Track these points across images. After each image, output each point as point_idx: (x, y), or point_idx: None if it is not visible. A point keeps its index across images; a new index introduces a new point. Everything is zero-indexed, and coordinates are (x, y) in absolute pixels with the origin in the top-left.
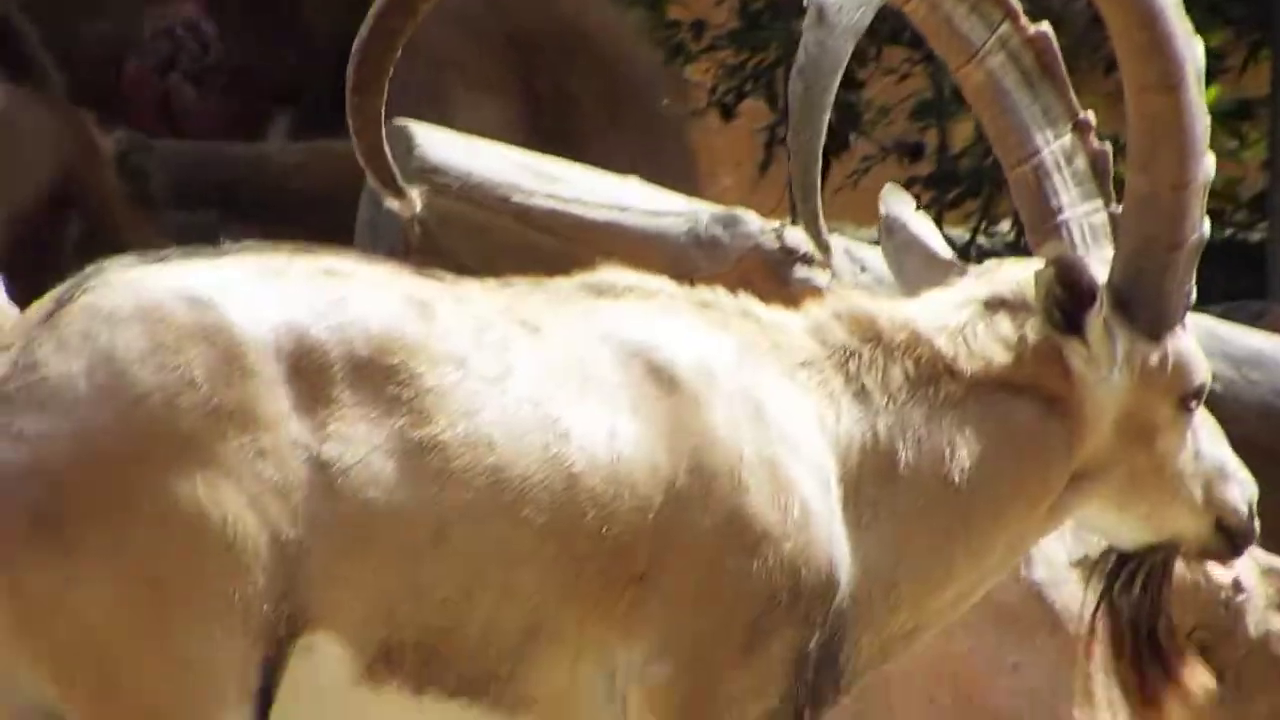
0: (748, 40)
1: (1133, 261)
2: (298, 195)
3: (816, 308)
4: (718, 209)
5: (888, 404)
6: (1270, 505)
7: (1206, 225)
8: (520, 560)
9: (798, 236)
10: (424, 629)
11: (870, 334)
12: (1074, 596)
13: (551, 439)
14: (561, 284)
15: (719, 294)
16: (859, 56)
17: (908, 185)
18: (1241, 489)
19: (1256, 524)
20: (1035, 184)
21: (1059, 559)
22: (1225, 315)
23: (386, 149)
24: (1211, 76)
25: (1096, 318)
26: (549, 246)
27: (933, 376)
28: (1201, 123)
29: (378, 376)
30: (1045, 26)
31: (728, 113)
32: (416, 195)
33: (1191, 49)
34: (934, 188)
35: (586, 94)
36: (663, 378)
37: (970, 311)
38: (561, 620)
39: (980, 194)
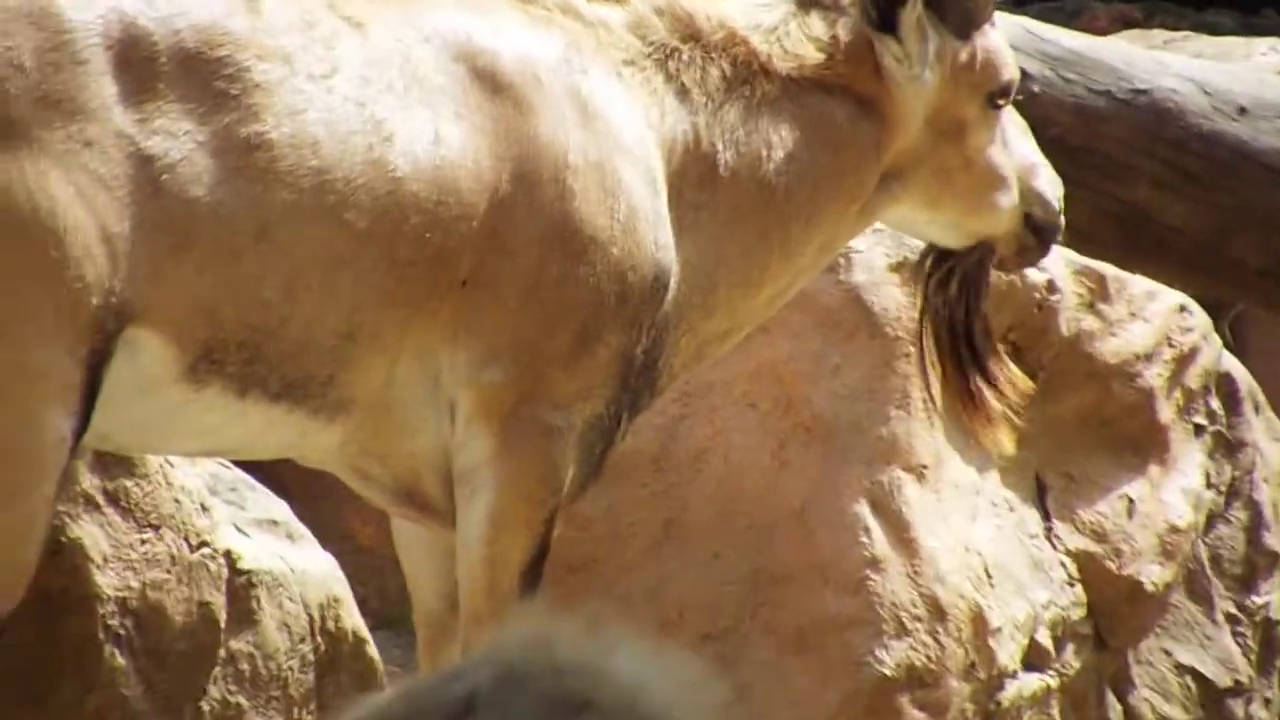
0: None
1: None
2: None
3: (637, 2)
4: None
5: (707, 104)
6: (1081, 205)
7: None
8: (341, 263)
9: None
10: (247, 329)
11: (689, 32)
12: (893, 299)
13: (375, 141)
14: None
15: None
16: None
17: None
18: (1050, 183)
19: (1062, 219)
20: None
21: (878, 263)
22: (1042, 15)
23: None
24: None
25: (910, 14)
26: None
27: (749, 76)
28: None
29: (204, 69)
30: None
31: None
32: None
33: None
34: None
35: None
36: (487, 81)
37: (783, 11)
38: (381, 324)
39: None
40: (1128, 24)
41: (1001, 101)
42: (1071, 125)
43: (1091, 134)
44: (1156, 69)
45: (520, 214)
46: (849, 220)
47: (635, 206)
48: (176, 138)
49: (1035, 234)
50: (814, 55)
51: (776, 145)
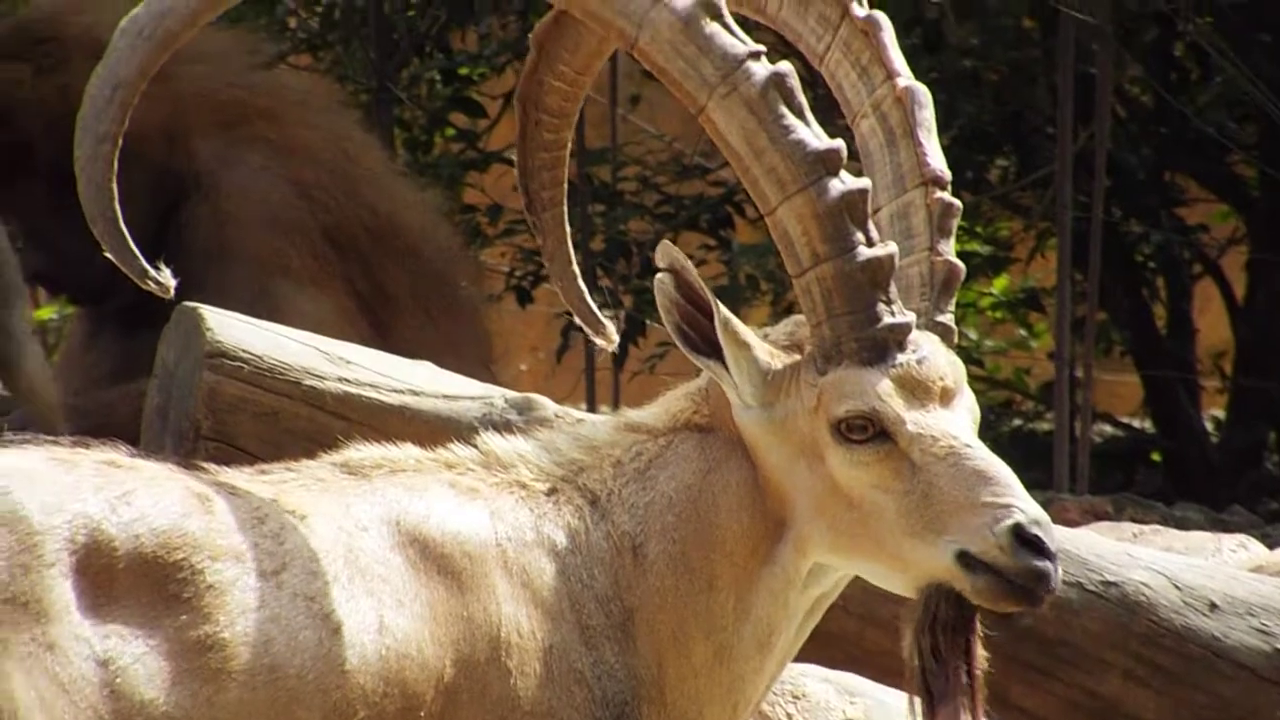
0: None
1: (795, 291)
2: None
3: (541, 431)
4: (512, 393)
5: (611, 498)
6: (1051, 697)
7: (872, 252)
8: None
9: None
10: None
11: (589, 444)
12: None
13: (324, 635)
14: (313, 466)
15: (455, 451)
16: (641, 241)
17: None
18: (993, 518)
19: (1020, 557)
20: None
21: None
22: None
23: (128, 235)
24: (1001, 266)
25: (723, 336)
26: (340, 431)
27: (634, 443)
28: (795, 142)
29: (159, 573)
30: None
31: (524, 297)
32: (169, 276)
33: (727, 50)
34: None
35: (397, 284)
36: (420, 566)
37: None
38: None
39: None
40: (1097, 516)
41: (855, 437)
42: (1042, 616)
43: (1062, 626)
44: (1127, 562)
45: (464, 698)
46: (770, 582)
47: (579, 672)
48: (129, 640)
49: (987, 574)
50: (682, 404)
51: (668, 507)
